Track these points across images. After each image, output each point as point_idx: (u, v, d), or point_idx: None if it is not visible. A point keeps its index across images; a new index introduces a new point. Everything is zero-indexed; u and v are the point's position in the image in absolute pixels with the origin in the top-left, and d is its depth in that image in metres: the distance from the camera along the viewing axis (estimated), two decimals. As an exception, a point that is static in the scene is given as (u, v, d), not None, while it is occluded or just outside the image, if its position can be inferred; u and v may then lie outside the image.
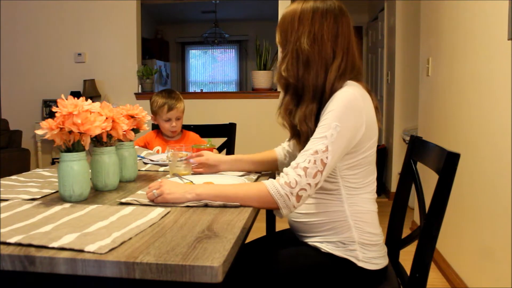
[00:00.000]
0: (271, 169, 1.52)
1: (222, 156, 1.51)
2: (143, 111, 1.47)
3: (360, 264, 1.15)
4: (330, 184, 1.16)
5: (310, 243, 1.20)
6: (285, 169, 1.09)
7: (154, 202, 1.10)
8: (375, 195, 1.23)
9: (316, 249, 1.18)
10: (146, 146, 2.21)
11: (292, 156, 1.42)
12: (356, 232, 1.16)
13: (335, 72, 1.15)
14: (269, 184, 1.07)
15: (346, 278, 1.16)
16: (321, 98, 1.16)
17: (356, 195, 1.17)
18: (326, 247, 1.17)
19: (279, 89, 1.29)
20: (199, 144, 2.04)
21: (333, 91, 1.13)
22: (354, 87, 1.14)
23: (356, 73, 1.19)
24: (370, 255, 1.16)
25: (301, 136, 1.19)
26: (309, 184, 1.05)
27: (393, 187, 4.08)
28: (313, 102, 1.17)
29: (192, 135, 2.29)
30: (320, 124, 1.10)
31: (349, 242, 1.15)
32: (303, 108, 1.17)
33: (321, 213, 1.17)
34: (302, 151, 1.09)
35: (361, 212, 1.17)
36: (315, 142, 1.07)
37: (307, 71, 1.16)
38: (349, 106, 1.09)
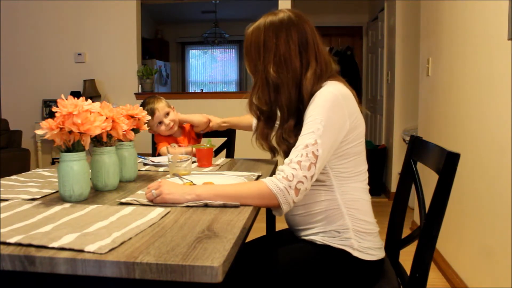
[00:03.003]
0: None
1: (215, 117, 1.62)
2: (143, 111, 1.47)
3: (355, 253, 1.16)
4: (321, 175, 1.17)
5: (306, 237, 1.22)
6: (280, 167, 1.12)
7: (153, 202, 1.10)
8: (368, 186, 1.25)
9: (312, 243, 1.19)
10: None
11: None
12: (349, 220, 1.17)
13: (312, 79, 1.17)
14: (267, 181, 1.09)
15: (342, 270, 1.17)
16: (300, 107, 1.19)
17: (347, 184, 1.19)
18: (321, 239, 1.18)
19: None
20: (199, 144, 2.04)
21: (312, 95, 1.16)
22: (334, 85, 1.17)
23: (330, 69, 1.22)
24: (366, 244, 1.18)
25: (282, 154, 1.22)
26: (305, 176, 1.07)
27: (393, 187, 4.08)
28: (289, 118, 1.20)
29: (189, 126, 2.26)
30: (306, 122, 1.13)
31: (343, 230, 1.17)
32: (279, 129, 1.22)
33: (314, 203, 1.19)
34: (293, 148, 1.12)
35: (353, 200, 1.19)
36: (304, 137, 1.10)
37: (279, 94, 1.20)
38: (330, 106, 1.12)
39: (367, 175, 1.25)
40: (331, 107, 1.12)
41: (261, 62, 1.21)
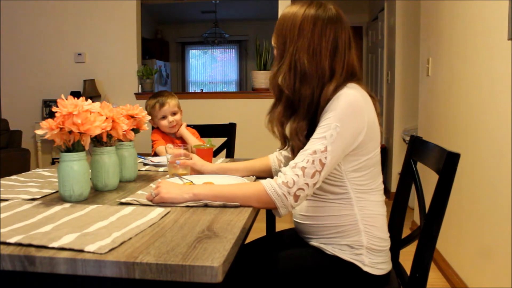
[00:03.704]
0: (263, 177, 1.43)
1: (209, 164, 1.47)
2: (143, 111, 1.47)
3: (365, 269, 1.14)
4: (338, 187, 1.15)
5: (314, 244, 1.19)
6: (283, 169, 1.09)
7: (152, 202, 1.10)
8: (384, 197, 1.22)
9: (320, 251, 1.17)
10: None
11: (289, 161, 1.41)
12: (365, 237, 1.15)
13: (332, 89, 1.12)
14: (266, 184, 1.07)
15: (349, 282, 1.15)
16: (315, 113, 1.15)
17: (366, 198, 1.16)
18: (332, 250, 1.16)
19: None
20: (199, 144, 2.04)
21: (327, 101, 1.12)
22: (356, 89, 1.13)
23: (354, 78, 1.18)
24: (376, 260, 1.16)
25: (293, 148, 1.18)
26: (307, 184, 1.05)
27: (393, 187, 4.08)
28: (305, 119, 1.15)
29: (192, 130, 2.28)
30: (321, 124, 1.09)
31: (357, 246, 1.14)
32: (295, 123, 1.17)
33: (331, 216, 1.16)
34: (301, 151, 1.09)
35: (371, 216, 1.16)
36: (314, 142, 1.07)
37: (304, 86, 1.15)
38: (350, 107, 1.08)
39: (382, 186, 1.22)
40: (351, 109, 1.08)
41: (293, 43, 1.15)
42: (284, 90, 1.18)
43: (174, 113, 2.15)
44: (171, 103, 2.14)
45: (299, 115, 1.17)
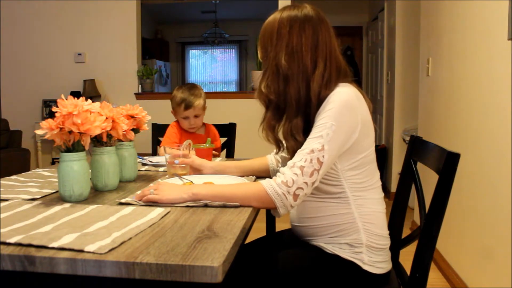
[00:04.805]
0: (262, 176, 1.45)
1: (207, 161, 1.48)
2: (143, 111, 1.47)
3: (365, 267, 1.14)
4: (334, 187, 1.15)
5: (314, 243, 1.20)
6: (281, 169, 1.10)
7: (145, 201, 1.09)
8: (382, 194, 1.23)
9: (321, 250, 1.18)
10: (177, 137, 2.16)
11: (286, 161, 1.42)
12: (364, 235, 1.15)
13: (319, 81, 1.14)
14: (266, 183, 1.07)
15: (349, 281, 1.15)
16: (307, 110, 1.16)
17: (363, 196, 1.16)
18: (332, 249, 1.16)
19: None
20: (199, 144, 2.04)
21: (320, 99, 1.13)
22: (349, 87, 1.14)
23: (343, 76, 1.19)
24: (376, 259, 1.16)
25: (287, 150, 1.19)
26: (305, 183, 1.05)
27: (393, 187, 4.07)
28: (297, 116, 1.16)
29: (213, 129, 2.28)
30: (317, 124, 1.10)
31: (357, 245, 1.15)
32: (287, 123, 1.18)
33: (329, 216, 1.16)
34: (298, 150, 1.10)
35: (369, 214, 1.16)
36: (311, 141, 1.08)
37: (288, 86, 1.16)
38: (345, 106, 1.09)
39: (380, 183, 1.23)
40: (345, 107, 1.09)
41: (273, 49, 1.18)
42: (269, 96, 1.20)
43: (196, 116, 2.13)
44: (197, 106, 2.10)
45: (290, 114, 1.18)
